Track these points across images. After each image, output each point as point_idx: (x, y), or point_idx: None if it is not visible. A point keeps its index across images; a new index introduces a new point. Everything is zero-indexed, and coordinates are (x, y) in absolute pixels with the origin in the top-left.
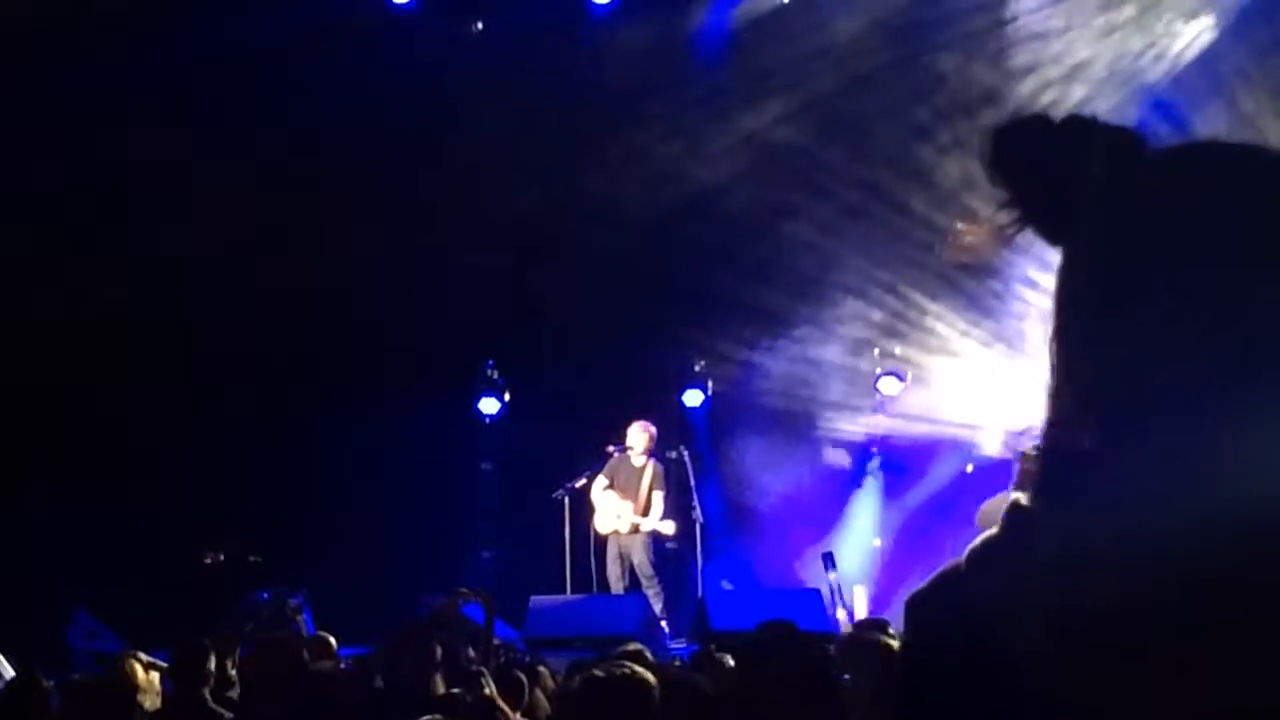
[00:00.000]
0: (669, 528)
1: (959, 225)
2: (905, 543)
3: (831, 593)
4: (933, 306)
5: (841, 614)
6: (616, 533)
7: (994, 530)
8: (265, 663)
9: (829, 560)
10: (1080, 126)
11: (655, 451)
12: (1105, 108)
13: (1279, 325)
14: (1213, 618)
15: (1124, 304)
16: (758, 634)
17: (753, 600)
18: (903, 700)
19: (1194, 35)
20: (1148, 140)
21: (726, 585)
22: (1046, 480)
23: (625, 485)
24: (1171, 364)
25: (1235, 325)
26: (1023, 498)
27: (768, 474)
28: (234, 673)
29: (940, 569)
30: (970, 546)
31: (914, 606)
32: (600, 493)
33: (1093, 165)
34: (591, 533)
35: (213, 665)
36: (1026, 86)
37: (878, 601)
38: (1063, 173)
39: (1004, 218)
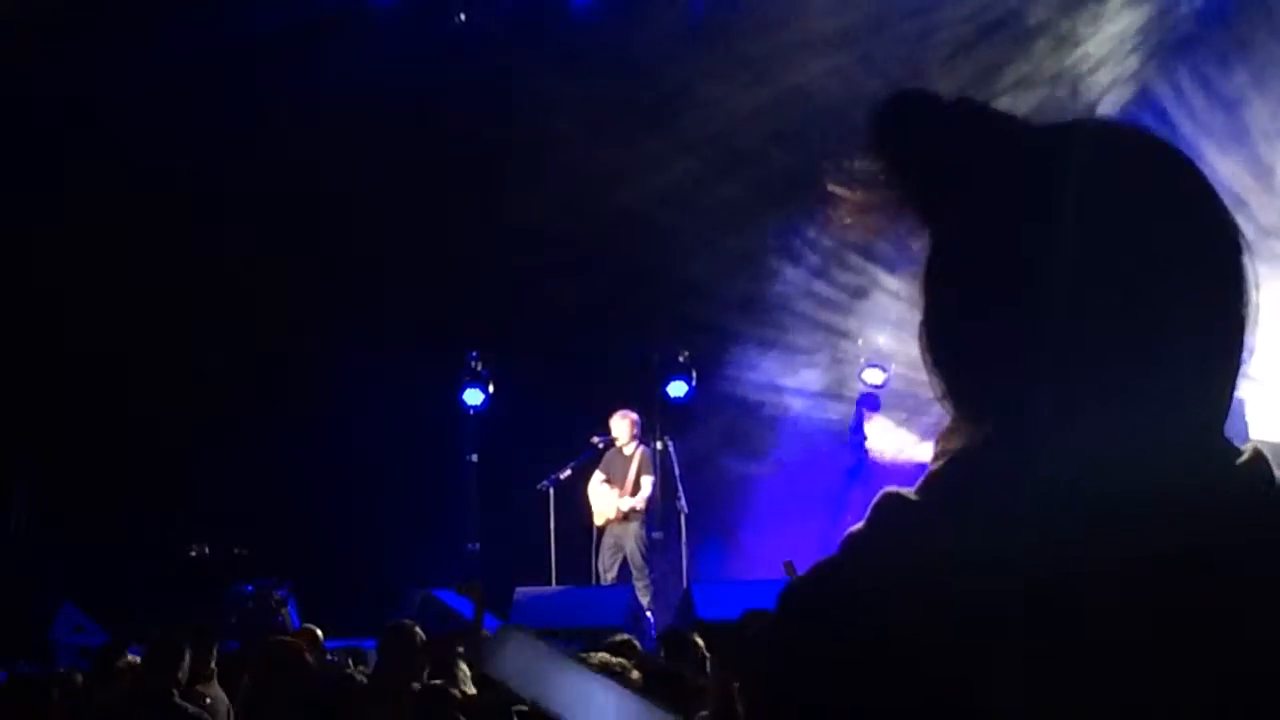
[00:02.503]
0: (629, 503)
1: (835, 191)
2: None
3: None
4: (916, 293)
5: None
6: (610, 522)
7: (859, 525)
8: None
9: (790, 569)
10: (971, 106)
11: (642, 437)
12: (1092, 95)
13: (1171, 309)
14: (1100, 608)
15: (1005, 291)
16: (742, 623)
17: (738, 591)
18: (758, 686)
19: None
20: (1034, 122)
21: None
22: (940, 473)
23: (617, 475)
24: (1060, 351)
25: (1129, 311)
26: (893, 488)
27: (752, 464)
28: (214, 665)
29: (822, 558)
30: (848, 531)
31: (784, 595)
32: (595, 487)
33: (978, 147)
34: (592, 525)
35: (186, 662)
36: (1005, 80)
37: None
38: (943, 152)
39: (880, 194)
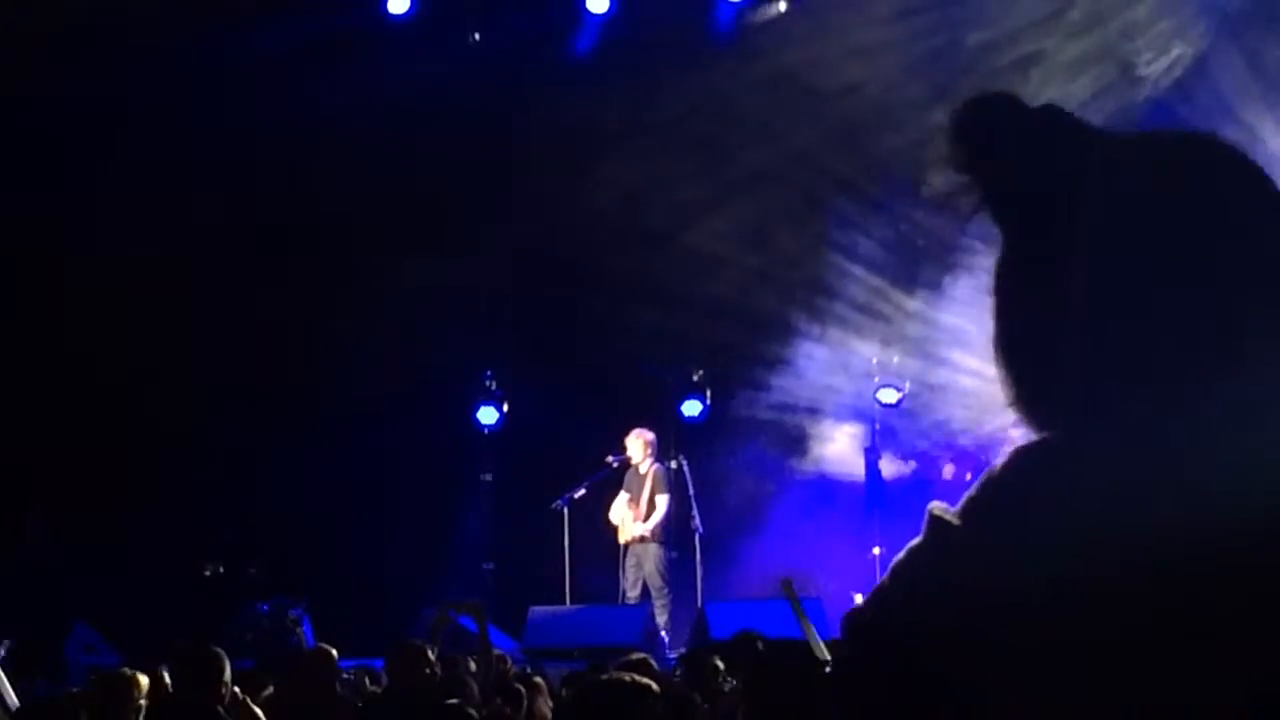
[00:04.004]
0: (640, 529)
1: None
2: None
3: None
4: (930, 313)
5: (812, 634)
6: (632, 541)
7: (915, 541)
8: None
9: (789, 587)
10: (1053, 113)
11: (657, 455)
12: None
13: (1245, 318)
14: (1153, 632)
15: (1081, 296)
16: (730, 644)
17: (753, 610)
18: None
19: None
20: (1111, 132)
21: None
22: (990, 490)
23: (634, 494)
24: (1130, 361)
25: (1201, 319)
26: (939, 506)
27: (767, 483)
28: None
29: (879, 582)
30: (895, 559)
31: (847, 623)
32: (617, 506)
33: (1058, 152)
34: (609, 543)
35: (228, 675)
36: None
37: None
38: (1026, 157)
39: (964, 199)
